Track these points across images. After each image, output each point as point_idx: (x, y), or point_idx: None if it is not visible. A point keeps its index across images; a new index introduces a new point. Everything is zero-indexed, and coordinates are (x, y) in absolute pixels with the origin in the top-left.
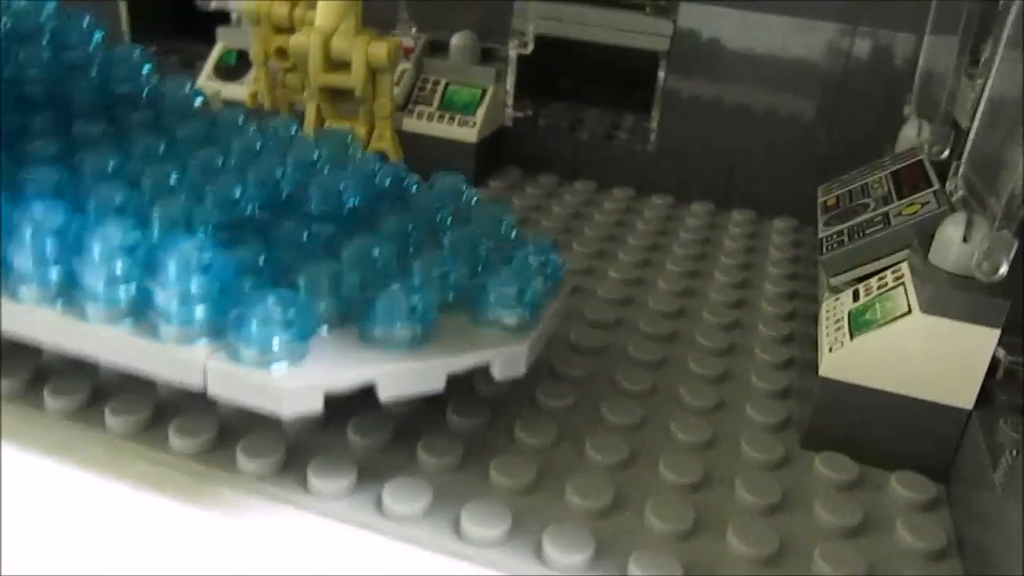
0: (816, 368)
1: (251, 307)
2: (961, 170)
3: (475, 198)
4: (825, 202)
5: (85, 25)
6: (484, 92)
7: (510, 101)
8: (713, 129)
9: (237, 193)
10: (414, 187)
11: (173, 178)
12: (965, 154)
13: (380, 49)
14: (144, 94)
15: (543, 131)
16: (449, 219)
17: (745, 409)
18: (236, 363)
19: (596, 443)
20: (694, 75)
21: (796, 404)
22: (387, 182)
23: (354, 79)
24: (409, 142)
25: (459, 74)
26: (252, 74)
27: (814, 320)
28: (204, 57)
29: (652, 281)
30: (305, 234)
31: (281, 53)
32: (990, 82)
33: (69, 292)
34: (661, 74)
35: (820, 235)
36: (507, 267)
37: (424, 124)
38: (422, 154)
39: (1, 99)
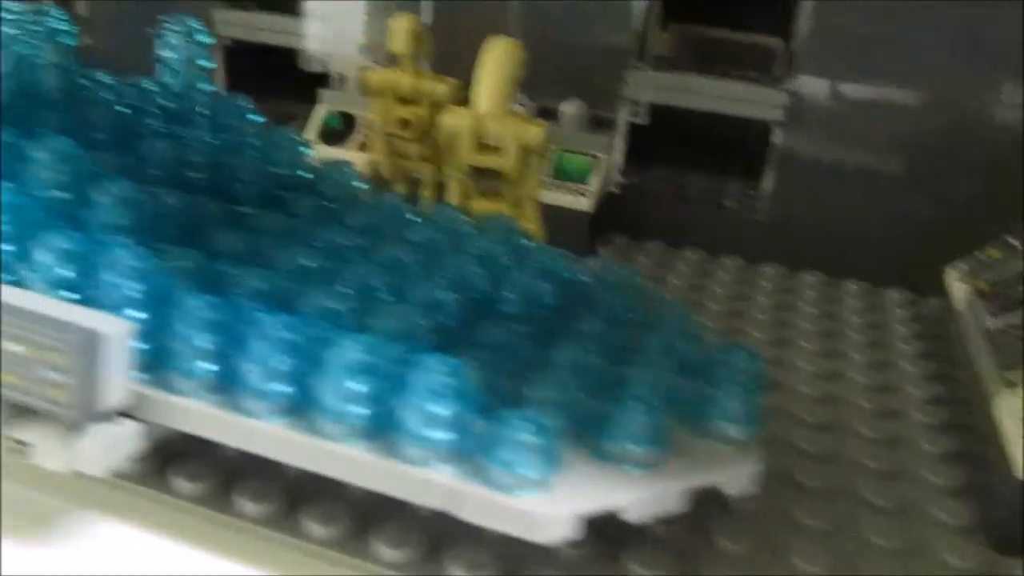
0: (992, 461)
1: (501, 430)
2: None
3: (644, 290)
4: (979, 289)
5: (239, 106)
6: (596, 160)
7: (617, 168)
8: (826, 196)
9: (444, 298)
10: (584, 277)
11: (378, 283)
12: None
13: (534, 133)
14: (303, 176)
15: (648, 198)
16: (629, 314)
17: (929, 510)
18: (486, 487)
19: (800, 552)
20: (808, 143)
21: (975, 502)
22: (567, 275)
23: (506, 161)
24: None
25: (571, 142)
26: (363, 140)
27: (963, 404)
28: (297, 116)
29: (790, 362)
30: (511, 339)
31: (404, 124)
32: None
33: (300, 407)
34: (775, 142)
35: (989, 326)
36: (721, 374)
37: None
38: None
39: (171, 185)
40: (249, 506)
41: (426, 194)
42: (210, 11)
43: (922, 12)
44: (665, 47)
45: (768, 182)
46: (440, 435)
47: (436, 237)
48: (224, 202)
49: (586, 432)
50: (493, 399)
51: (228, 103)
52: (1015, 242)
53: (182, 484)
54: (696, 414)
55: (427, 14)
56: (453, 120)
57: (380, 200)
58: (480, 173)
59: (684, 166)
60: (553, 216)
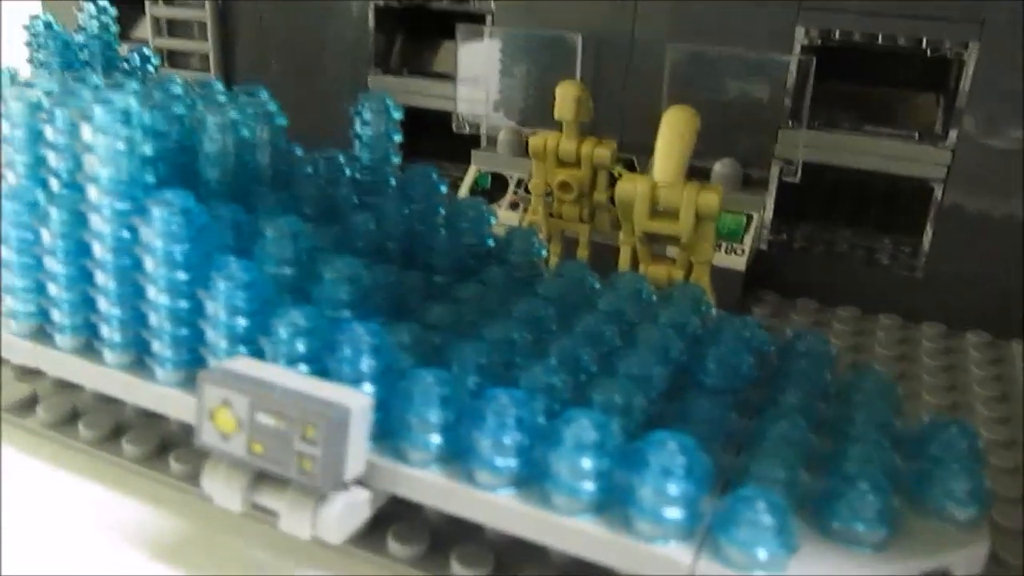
0: None
1: (741, 510)
2: None
3: (840, 358)
4: None
5: (429, 177)
6: (750, 219)
7: (768, 225)
8: (989, 252)
9: (653, 371)
10: (770, 347)
11: (585, 355)
12: None
13: (711, 200)
14: (489, 244)
15: (798, 254)
16: (829, 385)
17: None
18: (723, 566)
19: None
20: (969, 199)
21: None
22: (761, 344)
23: (682, 227)
24: None
25: (724, 201)
26: (513, 199)
27: None
28: (450, 176)
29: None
30: (718, 412)
31: (564, 187)
32: None
33: (527, 479)
34: (935, 198)
35: None
36: (940, 451)
37: None
38: None
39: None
40: (460, 568)
41: (583, 254)
42: (365, 77)
43: None
44: (819, 105)
45: (926, 238)
46: (676, 513)
47: (626, 307)
48: (422, 272)
49: (811, 510)
50: (716, 476)
51: (419, 174)
52: None
53: (398, 547)
54: (919, 493)
55: (577, 72)
56: (629, 187)
57: (564, 268)
58: (653, 237)
59: (835, 222)
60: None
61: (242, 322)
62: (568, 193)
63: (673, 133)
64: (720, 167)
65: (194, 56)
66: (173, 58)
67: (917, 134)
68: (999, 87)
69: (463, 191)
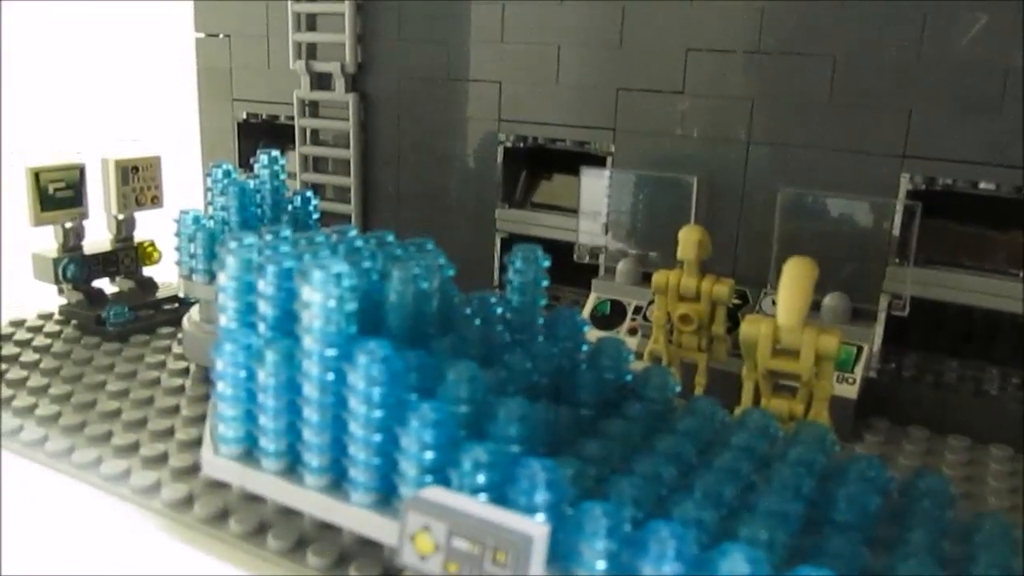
0: None
1: None
2: None
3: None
4: None
5: (573, 318)
6: (860, 350)
7: (877, 354)
8: None
9: (791, 509)
10: (893, 485)
11: (727, 491)
12: None
13: (830, 343)
14: (628, 380)
15: (908, 383)
16: (949, 527)
17: None
18: None
19: None
20: None
21: None
22: (883, 481)
23: (803, 367)
24: None
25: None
26: (632, 326)
27: None
28: (577, 302)
29: None
30: (853, 550)
31: (685, 319)
32: None
33: None
34: None
35: None
36: None
37: None
38: None
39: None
40: None
41: (701, 380)
42: (493, 210)
43: None
44: (925, 243)
45: None
46: None
47: (757, 443)
48: (570, 407)
49: None
50: None
51: (564, 315)
52: None
53: None
54: None
55: (692, 210)
56: (753, 329)
57: (696, 404)
58: (775, 374)
59: (942, 352)
60: None
61: (430, 455)
62: (688, 325)
63: (793, 281)
64: (830, 300)
65: (331, 187)
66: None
67: (1009, 271)
68: None
69: (584, 315)
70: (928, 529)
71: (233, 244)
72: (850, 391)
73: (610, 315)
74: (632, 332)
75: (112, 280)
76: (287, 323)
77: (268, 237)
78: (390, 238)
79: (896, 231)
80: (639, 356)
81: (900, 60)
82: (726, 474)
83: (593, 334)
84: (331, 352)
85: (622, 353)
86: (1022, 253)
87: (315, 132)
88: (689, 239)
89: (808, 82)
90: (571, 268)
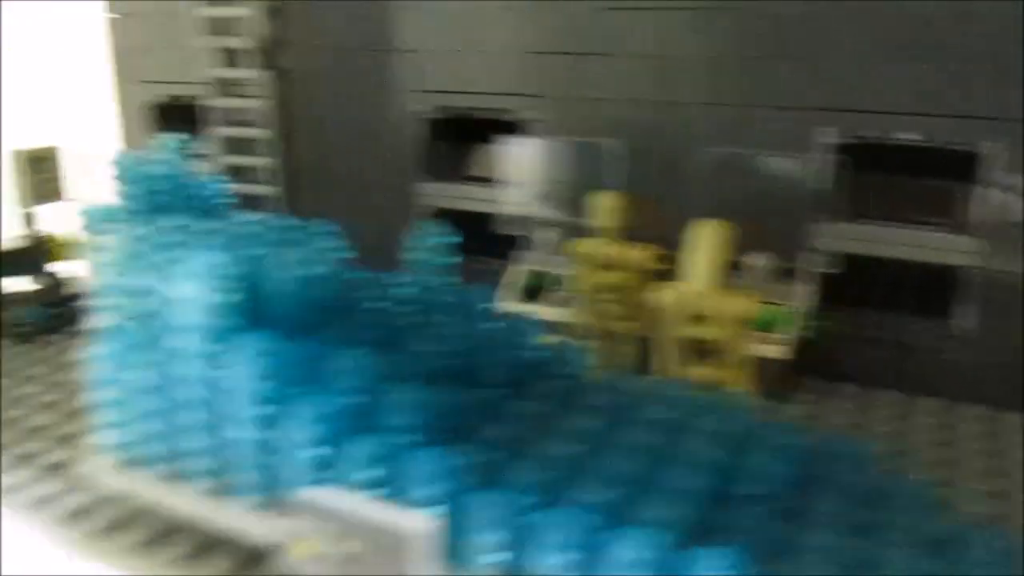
0: None
1: None
2: None
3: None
4: None
5: (483, 296)
6: (789, 309)
7: (808, 313)
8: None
9: (696, 484)
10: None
11: (632, 470)
12: None
13: (746, 307)
14: (539, 357)
15: (840, 341)
16: (866, 489)
17: None
18: None
19: None
20: (1004, 282)
21: None
22: (799, 449)
23: (719, 333)
24: None
25: (763, 293)
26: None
27: None
28: (497, 274)
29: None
30: (757, 522)
31: (607, 289)
32: None
33: None
34: (967, 283)
35: None
36: (975, 558)
37: None
38: None
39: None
40: None
41: (625, 351)
42: (413, 183)
43: None
44: (854, 198)
45: (963, 321)
46: None
47: (670, 415)
48: (479, 389)
49: None
50: None
51: (472, 295)
52: None
53: None
54: None
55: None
56: (665, 295)
57: (611, 378)
58: (691, 341)
59: (876, 308)
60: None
61: (313, 452)
62: (611, 295)
63: (705, 244)
64: (759, 260)
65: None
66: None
67: (948, 223)
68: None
69: (508, 289)
70: (842, 495)
71: (109, 237)
72: (779, 352)
73: (538, 287)
74: (557, 305)
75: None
76: (162, 320)
77: (155, 228)
78: (282, 222)
79: (825, 187)
80: (566, 329)
81: (824, 11)
82: (631, 451)
83: (520, 308)
84: (208, 348)
85: (531, 330)
86: (953, 204)
87: (235, 112)
88: (607, 206)
89: (733, 37)
90: (504, 242)
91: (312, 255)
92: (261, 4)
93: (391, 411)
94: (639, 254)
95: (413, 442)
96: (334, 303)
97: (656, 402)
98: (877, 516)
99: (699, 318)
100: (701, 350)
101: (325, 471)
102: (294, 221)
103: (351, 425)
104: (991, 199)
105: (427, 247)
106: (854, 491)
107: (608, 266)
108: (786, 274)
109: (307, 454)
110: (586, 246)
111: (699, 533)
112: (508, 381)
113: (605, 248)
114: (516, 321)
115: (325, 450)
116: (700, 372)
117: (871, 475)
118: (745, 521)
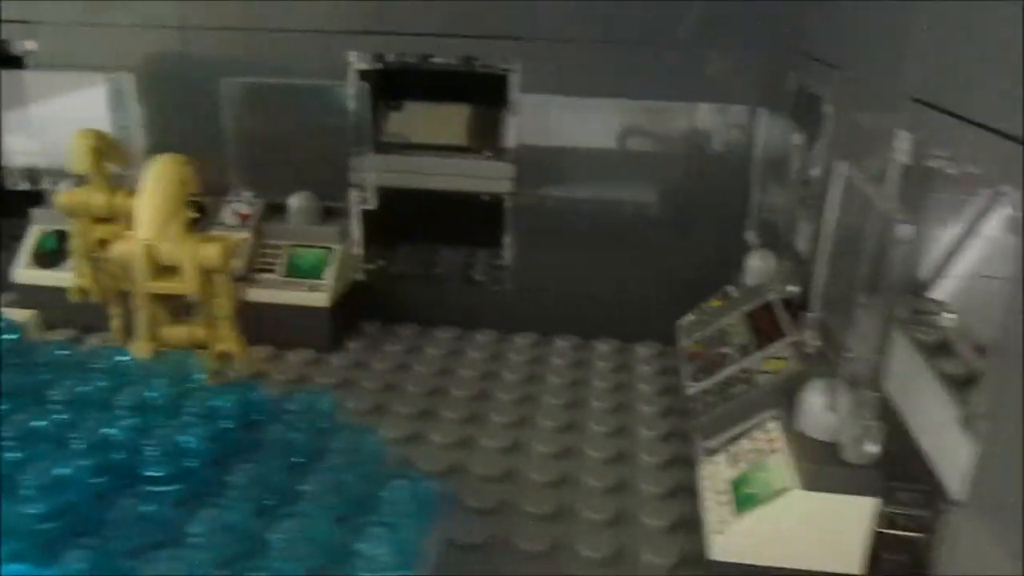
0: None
1: None
2: (813, 316)
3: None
4: (688, 351)
5: None
6: (330, 252)
7: (359, 255)
8: (565, 258)
9: (72, 472)
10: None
11: None
12: (815, 298)
13: (212, 251)
14: None
15: (396, 280)
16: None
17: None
18: None
19: None
20: (538, 210)
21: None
22: (237, 412)
23: (188, 285)
24: (258, 314)
25: (302, 236)
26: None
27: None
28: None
29: (531, 419)
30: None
31: (104, 244)
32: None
33: None
34: (507, 211)
35: (689, 390)
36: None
37: (271, 293)
38: (274, 325)
39: None
40: None
41: (116, 312)
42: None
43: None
44: (389, 128)
45: (509, 252)
46: None
47: (99, 386)
48: None
49: None
50: None
51: None
52: (733, 291)
53: None
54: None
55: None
56: (124, 248)
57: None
58: (169, 298)
59: (430, 244)
60: (291, 316)
61: None
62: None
63: (154, 185)
64: (295, 201)
65: None
66: None
67: (485, 149)
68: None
69: (23, 256)
70: (269, 458)
71: None
72: (322, 299)
73: (57, 250)
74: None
75: None
76: None
77: None
78: None
79: (363, 118)
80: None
81: None
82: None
83: (34, 274)
84: None
85: None
86: (487, 129)
87: None
88: (82, 146)
89: None
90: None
91: None
92: None
93: None
94: (131, 200)
95: None
96: None
97: (93, 373)
98: (305, 479)
99: (168, 271)
100: (181, 307)
101: None
102: None
103: None
104: (516, 122)
105: None
106: (296, 450)
107: (104, 218)
108: (329, 214)
109: None
110: (68, 197)
111: (72, 530)
112: None
113: (92, 196)
114: None
115: None
116: (175, 333)
117: (326, 427)
118: (133, 511)
